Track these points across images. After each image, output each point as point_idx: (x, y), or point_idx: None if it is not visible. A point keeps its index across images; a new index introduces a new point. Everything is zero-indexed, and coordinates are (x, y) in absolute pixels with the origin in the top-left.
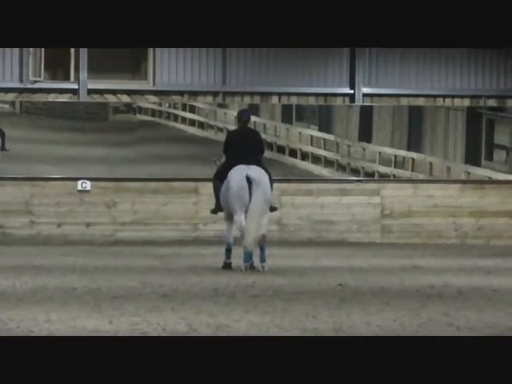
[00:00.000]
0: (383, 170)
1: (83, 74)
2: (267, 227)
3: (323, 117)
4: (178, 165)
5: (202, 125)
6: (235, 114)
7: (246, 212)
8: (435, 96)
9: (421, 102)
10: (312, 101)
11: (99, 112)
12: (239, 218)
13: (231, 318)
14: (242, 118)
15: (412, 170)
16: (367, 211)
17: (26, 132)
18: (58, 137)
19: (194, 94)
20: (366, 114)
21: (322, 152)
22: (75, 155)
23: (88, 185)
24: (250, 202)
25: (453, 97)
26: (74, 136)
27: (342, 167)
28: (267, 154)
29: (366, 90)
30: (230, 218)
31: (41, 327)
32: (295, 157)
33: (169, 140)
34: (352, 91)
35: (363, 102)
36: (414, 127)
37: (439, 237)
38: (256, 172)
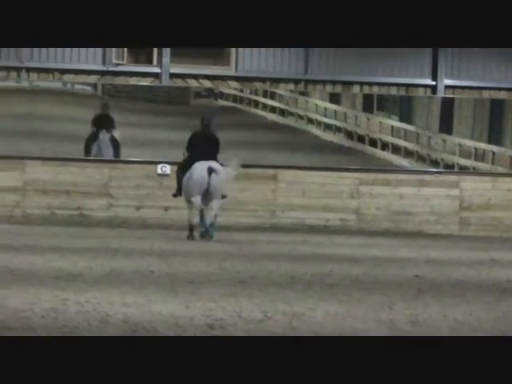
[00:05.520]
0: (463, 162)
1: (166, 59)
2: (218, 210)
3: (404, 107)
4: (257, 151)
5: (282, 112)
6: (316, 102)
7: (202, 196)
8: None
9: (503, 95)
10: (393, 91)
11: (180, 96)
12: (197, 199)
13: (307, 306)
14: (204, 122)
15: (492, 163)
16: (446, 203)
17: None
18: (138, 120)
19: (275, 80)
20: (448, 105)
21: (402, 142)
22: (156, 139)
23: (168, 169)
24: (208, 189)
25: None
26: (154, 119)
27: (421, 158)
28: (348, 142)
29: (448, 81)
30: (190, 202)
31: (116, 310)
32: (375, 146)
33: (249, 126)
34: (434, 82)
35: (445, 93)
36: (495, 120)
37: None
38: (216, 165)
